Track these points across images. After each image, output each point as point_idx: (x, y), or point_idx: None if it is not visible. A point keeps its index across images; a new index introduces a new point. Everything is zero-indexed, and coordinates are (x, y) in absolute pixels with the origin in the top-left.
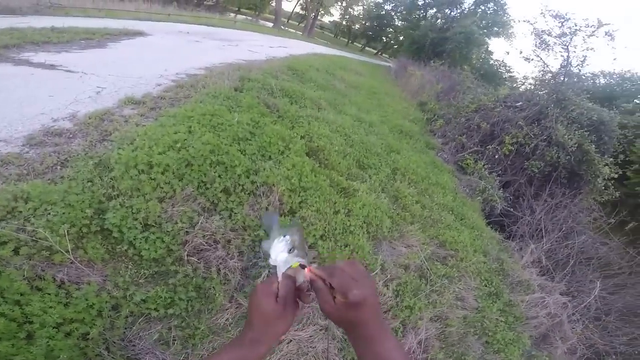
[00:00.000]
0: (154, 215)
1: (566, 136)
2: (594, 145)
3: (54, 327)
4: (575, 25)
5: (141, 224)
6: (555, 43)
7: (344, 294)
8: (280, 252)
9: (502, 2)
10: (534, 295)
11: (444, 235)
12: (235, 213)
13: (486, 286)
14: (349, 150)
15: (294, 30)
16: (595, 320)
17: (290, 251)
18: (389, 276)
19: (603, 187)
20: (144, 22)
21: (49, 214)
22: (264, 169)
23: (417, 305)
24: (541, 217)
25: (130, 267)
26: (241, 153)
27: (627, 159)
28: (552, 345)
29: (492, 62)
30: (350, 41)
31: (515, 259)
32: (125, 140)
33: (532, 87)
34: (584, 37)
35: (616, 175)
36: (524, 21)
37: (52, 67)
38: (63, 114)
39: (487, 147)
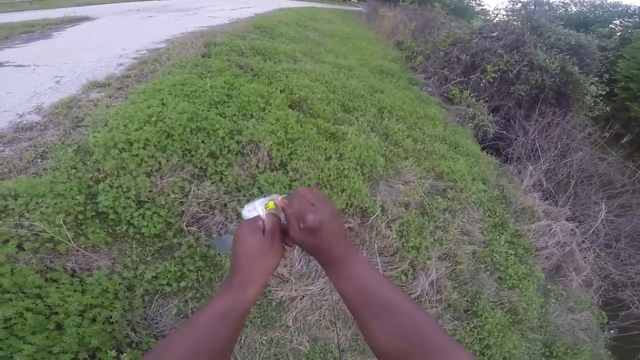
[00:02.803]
0: (145, 190)
1: (547, 60)
2: (577, 67)
3: (78, 315)
4: None
5: (134, 201)
6: None
7: (302, 219)
8: (256, 204)
9: None
10: (540, 223)
11: (440, 167)
12: (226, 175)
13: (490, 217)
14: (332, 97)
15: None
16: (607, 247)
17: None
18: (390, 217)
19: (593, 104)
20: (85, 6)
21: (41, 206)
22: (247, 128)
23: (424, 245)
24: (535, 137)
25: (134, 246)
26: (221, 116)
27: (612, 77)
28: (566, 278)
29: None
30: None
31: (516, 184)
32: (98, 123)
33: (506, 18)
34: None
35: (604, 92)
36: None
37: None
38: (28, 108)
39: (470, 77)
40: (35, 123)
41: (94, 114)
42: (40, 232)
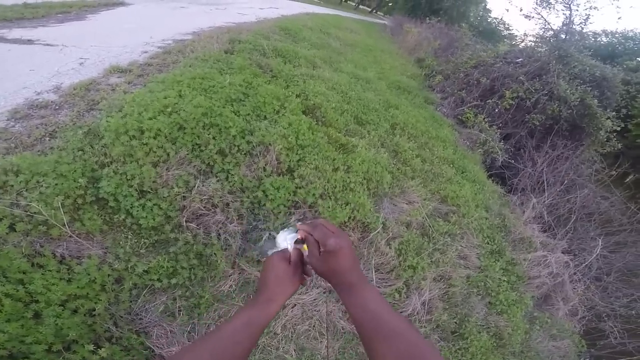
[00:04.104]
0: (149, 180)
1: (568, 91)
2: (596, 100)
3: (59, 305)
4: None
5: (137, 190)
6: (557, 1)
7: (324, 244)
8: (287, 235)
9: None
10: (537, 254)
11: (446, 190)
12: (232, 174)
13: (488, 244)
14: (346, 107)
15: None
16: (596, 280)
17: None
18: (391, 234)
19: (605, 139)
20: None
21: (42, 186)
22: (260, 129)
23: (420, 265)
24: (543, 169)
25: (130, 237)
26: (235, 114)
27: (629, 113)
28: (553, 307)
29: (490, 19)
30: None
31: (517, 215)
32: (113, 108)
33: (533, 44)
34: None
35: (618, 128)
36: None
37: (29, 42)
38: (46, 87)
39: (487, 101)
40: (51, 102)
41: (111, 98)
42: (35, 213)
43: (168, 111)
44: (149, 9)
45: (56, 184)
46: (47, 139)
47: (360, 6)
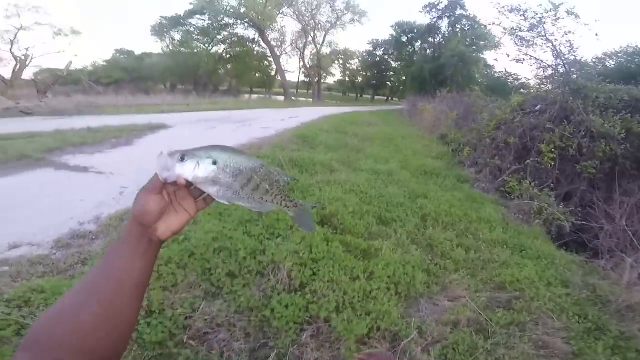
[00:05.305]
0: (157, 303)
1: (606, 125)
2: None
3: None
4: (536, 14)
5: (145, 311)
6: (533, 37)
7: None
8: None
9: (472, 16)
10: None
11: (501, 276)
12: (240, 295)
13: (579, 322)
14: (367, 208)
15: (304, 99)
16: None
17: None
18: (430, 339)
19: None
20: (167, 114)
21: None
22: (271, 247)
23: None
24: (624, 223)
25: (134, 349)
26: (247, 235)
27: None
28: None
29: (497, 74)
30: (358, 95)
31: (614, 280)
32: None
33: (541, 85)
34: (552, 22)
35: None
36: (490, 24)
37: (85, 170)
38: (89, 217)
39: (526, 162)
40: (89, 232)
41: None
42: None
43: (181, 239)
44: (186, 131)
45: None
46: (80, 265)
47: (376, 97)
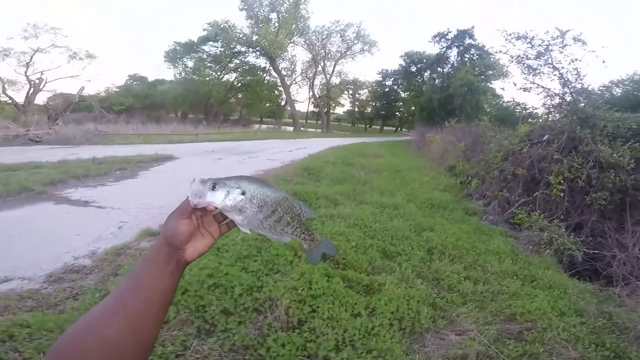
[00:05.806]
0: None
1: (615, 155)
2: None
3: None
4: (543, 41)
5: None
6: (540, 65)
7: None
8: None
9: (480, 45)
10: None
11: (511, 307)
12: (234, 333)
13: (596, 351)
14: (370, 242)
15: (313, 129)
16: None
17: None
18: None
19: None
20: (175, 145)
21: (41, 339)
22: (268, 284)
23: None
24: (638, 251)
25: None
26: (244, 271)
27: None
28: None
29: (505, 104)
30: (367, 125)
31: (631, 306)
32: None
33: (548, 114)
34: (559, 49)
35: None
36: (498, 52)
37: (85, 203)
38: (84, 252)
39: (535, 194)
40: (83, 267)
41: (132, 263)
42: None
43: None
44: (192, 163)
45: (56, 339)
46: (70, 300)
47: (385, 127)
